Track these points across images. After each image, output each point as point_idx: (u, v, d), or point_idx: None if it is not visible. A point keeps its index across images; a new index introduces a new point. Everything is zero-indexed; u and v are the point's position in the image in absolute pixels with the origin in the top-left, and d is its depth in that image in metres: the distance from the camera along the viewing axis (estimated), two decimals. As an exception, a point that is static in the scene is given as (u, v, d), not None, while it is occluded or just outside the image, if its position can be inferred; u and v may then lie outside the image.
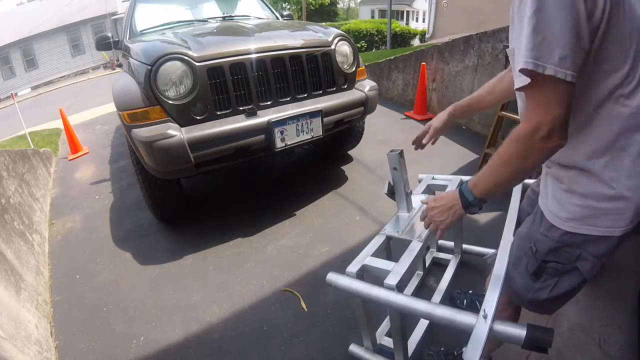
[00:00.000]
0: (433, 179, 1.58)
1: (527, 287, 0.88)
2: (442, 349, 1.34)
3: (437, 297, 1.58)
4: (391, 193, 1.36)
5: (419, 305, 0.92)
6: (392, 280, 1.02)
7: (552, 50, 0.61)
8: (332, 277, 1.12)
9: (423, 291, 1.68)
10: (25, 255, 1.97)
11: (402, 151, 1.30)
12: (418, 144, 1.28)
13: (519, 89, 0.67)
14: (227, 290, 1.82)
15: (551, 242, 0.81)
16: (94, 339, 1.63)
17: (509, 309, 1.03)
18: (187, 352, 1.52)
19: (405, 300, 0.96)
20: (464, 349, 1.31)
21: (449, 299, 1.60)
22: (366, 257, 1.16)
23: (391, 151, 1.30)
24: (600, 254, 0.77)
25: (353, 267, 1.13)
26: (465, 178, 1.53)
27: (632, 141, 0.69)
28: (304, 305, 1.68)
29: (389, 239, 1.27)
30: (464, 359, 0.75)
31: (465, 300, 1.55)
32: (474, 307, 1.51)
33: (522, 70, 0.64)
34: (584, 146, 0.72)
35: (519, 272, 0.89)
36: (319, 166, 3.13)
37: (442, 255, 1.85)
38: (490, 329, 0.76)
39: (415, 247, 1.15)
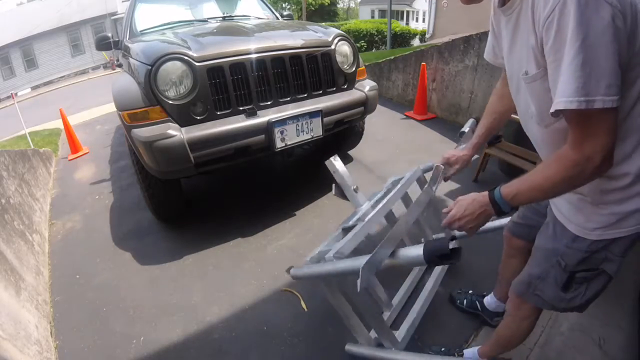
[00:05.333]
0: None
1: (558, 298, 0.90)
2: (442, 349, 1.34)
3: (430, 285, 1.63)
4: (340, 194, 1.49)
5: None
6: (332, 252, 1.13)
7: (600, 81, 0.60)
8: (296, 271, 1.27)
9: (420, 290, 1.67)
10: (25, 255, 1.97)
11: (335, 156, 1.48)
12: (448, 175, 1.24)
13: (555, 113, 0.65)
14: (227, 290, 1.82)
15: (579, 254, 0.83)
16: (94, 339, 1.63)
17: (525, 308, 1.02)
18: (187, 352, 1.52)
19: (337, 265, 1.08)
20: (464, 349, 1.31)
21: (449, 299, 1.60)
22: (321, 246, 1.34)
23: (327, 160, 1.50)
24: (624, 251, 0.80)
25: (310, 256, 1.28)
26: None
27: None
28: (304, 305, 1.68)
29: (345, 230, 1.38)
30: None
31: (465, 301, 1.54)
32: (474, 307, 1.51)
33: (570, 110, 0.62)
34: None
35: (548, 285, 0.91)
36: (319, 166, 3.12)
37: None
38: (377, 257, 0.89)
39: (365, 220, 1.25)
